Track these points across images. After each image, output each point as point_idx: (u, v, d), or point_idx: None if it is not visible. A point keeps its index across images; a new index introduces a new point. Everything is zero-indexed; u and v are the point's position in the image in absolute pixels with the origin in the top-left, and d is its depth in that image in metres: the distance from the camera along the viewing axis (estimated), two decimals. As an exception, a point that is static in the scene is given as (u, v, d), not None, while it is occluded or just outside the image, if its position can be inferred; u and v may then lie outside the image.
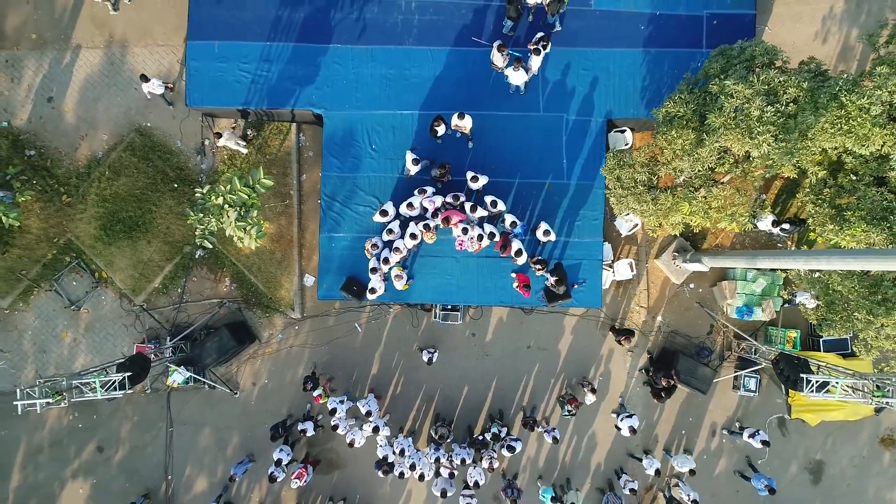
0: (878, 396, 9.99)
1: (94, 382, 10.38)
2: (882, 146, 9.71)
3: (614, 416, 14.19)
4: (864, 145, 9.69)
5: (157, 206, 14.48)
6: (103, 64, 14.73)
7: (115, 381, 10.48)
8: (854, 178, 10.67)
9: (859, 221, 9.92)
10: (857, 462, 14.73)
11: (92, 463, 14.83)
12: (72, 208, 14.51)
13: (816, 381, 10.29)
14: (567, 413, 13.71)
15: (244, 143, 14.06)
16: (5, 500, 14.79)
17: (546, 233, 12.63)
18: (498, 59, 12.29)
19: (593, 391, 13.89)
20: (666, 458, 14.26)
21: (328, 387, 14.03)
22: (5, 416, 14.75)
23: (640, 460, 13.95)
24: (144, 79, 13.35)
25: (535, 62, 12.42)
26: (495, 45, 12.10)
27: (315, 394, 13.39)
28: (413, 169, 12.69)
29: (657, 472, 13.38)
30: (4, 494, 14.80)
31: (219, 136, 13.33)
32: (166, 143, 14.65)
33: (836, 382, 10.25)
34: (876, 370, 12.58)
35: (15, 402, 10.61)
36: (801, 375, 10.38)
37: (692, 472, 13.30)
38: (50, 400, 10.32)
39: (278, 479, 13.15)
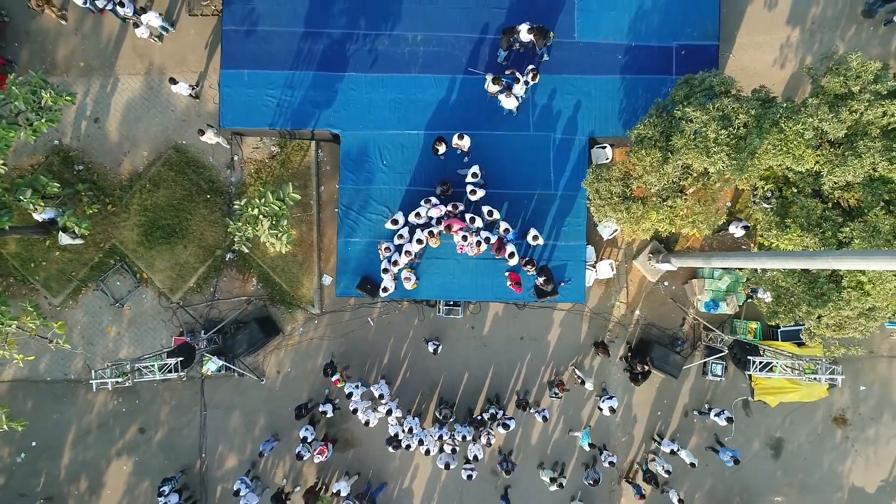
0: (809, 373, 11.78)
1: (153, 366, 12.13)
2: (815, 164, 11.48)
3: (597, 398, 15.88)
4: (800, 163, 11.43)
5: (192, 215, 16.20)
6: (143, 88, 16.44)
7: (170, 365, 12.24)
8: (795, 190, 12.44)
9: (795, 227, 11.69)
10: (812, 439, 16.45)
11: (134, 443, 16.54)
12: (116, 217, 16.20)
13: (760, 362, 12.07)
14: (553, 395, 15.43)
15: (225, 140, 15.71)
16: (58, 475, 16.49)
17: (535, 237, 14.38)
18: (492, 87, 14.02)
19: (582, 383, 15.60)
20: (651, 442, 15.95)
21: (345, 374, 15.73)
22: (58, 401, 16.50)
23: (659, 444, 15.55)
24: (173, 81, 15.08)
25: (518, 88, 14.13)
26: (489, 77, 13.84)
27: (334, 378, 15.11)
28: (471, 178, 14.34)
29: (672, 451, 14.97)
30: (57, 470, 16.50)
31: (202, 132, 14.93)
32: (200, 159, 16.36)
33: (776, 363, 12.00)
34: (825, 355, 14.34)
35: (90, 381, 12.38)
36: (749, 358, 12.14)
37: (693, 465, 14.89)
38: (119, 379, 12.07)
39: (305, 458, 14.84)
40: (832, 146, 11.64)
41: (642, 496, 15.09)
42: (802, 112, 11.38)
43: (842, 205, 12.55)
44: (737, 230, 15.33)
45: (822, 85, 11.88)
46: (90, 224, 12.55)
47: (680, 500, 15.00)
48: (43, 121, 10.26)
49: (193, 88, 15.76)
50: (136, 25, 15.46)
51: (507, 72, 14.24)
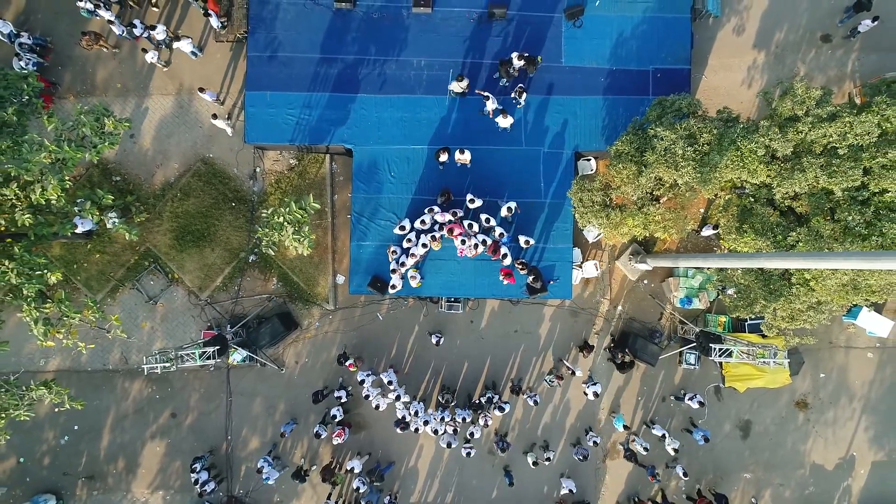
0: (760, 357, 13.49)
1: (195, 353, 13.81)
2: (766, 177, 13.20)
3: (584, 385, 17.54)
4: (754, 177, 13.15)
5: (218, 221, 17.89)
6: (174, 107, 18.13)
7: (209, 352, 13.94)
8: (752, 199, 14.16)
9: (751, 232, 13.41)
10: (777, 421, 18.15)
11: (167, 426, 18.21)
12: (150, 223, 17.88)
13: (720, 349, 13.80)
14: (549, 382, 17.16)
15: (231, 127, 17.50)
16: (98, 456, 18.15)
17: (527, 241, 16.07)
18: (456, 87, 15.83)
19: (573, 374, 17.34)
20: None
21: (358, 363, 17.40)
22: (97, 389, 18.15)
23: (651, 428, 17.16)
24: (202, 90, 16.73)
25: (490, 104, 15.94)
26: (455, 78, 15.78)
27: (348, 363, 16.81)
28: (505, 212, 16.00)
29: (675, 450, 16.65)
30: (97, 451, 18.17)
31: (215, 116, 16.66)
32: (225, 171, 18.05)
33: (734, 349, 13.74)
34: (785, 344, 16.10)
35: (142, 366, 14.10)
36: (711, 345, 13.86)
37: (675, 450, 16.68)
38: (167, 364, 13.78)
39: (322, 436, 16.53)
40: (782, 162, 13.37)
41: (654, 476, 16.78)
42: (756, 132, 13.13)
43: (795, 212, 14.29)
44: (709, 231, 17.10)
45: (774, 108, 13.61)
46: (139, 231, 14.20)
47: (685, 473, 16.75)
48: (106, 144, 11.96)
49: (219, 98, 17.50)
50: (146, 51, 17.09)
51: (479, 91, 16.14)
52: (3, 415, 12.81)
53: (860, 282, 13.08)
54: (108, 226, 14.14)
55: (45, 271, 12.25)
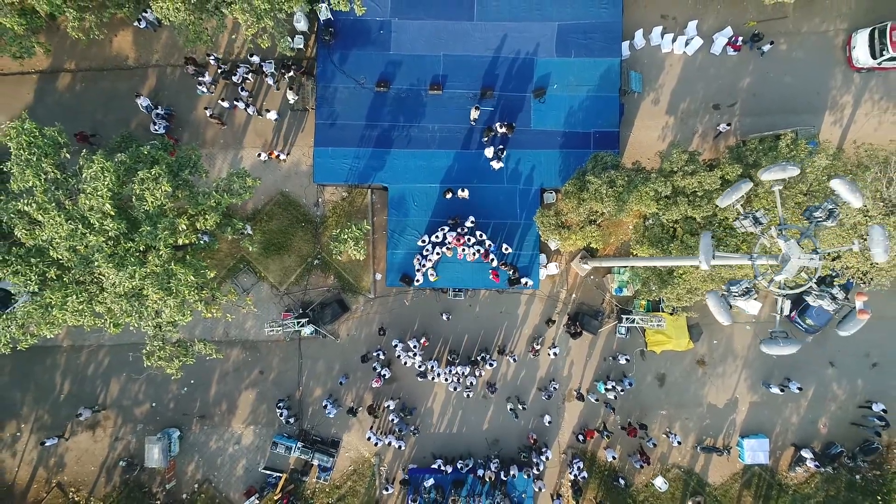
0: (650, 322, 20.85)
1: (294, 324, 21.07)
2: (655, 209, 20.46)
3: (547, 348, 24.68)
4: (648, 208, 20.40)
5: (293, 236, 25.04)
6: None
7: (302, 322, 21.23)
8: (650, 221, 21.47)
9: (647, 243, 20.72)
10: (684, 374, 25.35)
11: (256, 381, 25.32)
12: (244, 237, 25.01)
13: (627, 318, 21.13)
14: (534, 356, 24.42)
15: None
16: (208, 401, 25.28)
17: (507, 249, 23.34)
18: (474, 113, 23.08)
19: (548, 351, 24.53)
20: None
21: (424, 343, 24.40)
22: (208, 354, 25.30)
23: (611, 391, 24.17)
24: (277, 155, 24.03)
25: (489, 152, 23.15)
26: (473, 107, 23.02)
27: (422, 340, 24.05)
28: (469, 224, 23.35)
29: (615, 397, 23.86)
30: (207, 398, 25.28)
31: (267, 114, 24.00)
32: (297, 200, 25.24)
33: (636, 318, 21.07)
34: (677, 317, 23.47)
35: (265, 329, 21.34)
36: (622, 316, 21.20)
37: (615, 397, 23.91)
38: (279, 328, 21.03)
39: (377, 368, 23.79)
40: (665, 199, 20.65)
41: (614, 410, 24.06)
42: (649, 180, 20.39)
43: (682, 229, 21.56)
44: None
45: (662, 165, 20.91)
46: (254, 245, 21.39)
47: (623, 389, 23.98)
48: (247, 194, 19.16)
49: (286, 155, 24.83)
50: (196, 72, 24.19)
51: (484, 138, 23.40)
52: (177, 360, 19.94)
53: (714, 275, 20.40)
54: (247, 245, 21.37)
55: (206, 269, 19.36)
